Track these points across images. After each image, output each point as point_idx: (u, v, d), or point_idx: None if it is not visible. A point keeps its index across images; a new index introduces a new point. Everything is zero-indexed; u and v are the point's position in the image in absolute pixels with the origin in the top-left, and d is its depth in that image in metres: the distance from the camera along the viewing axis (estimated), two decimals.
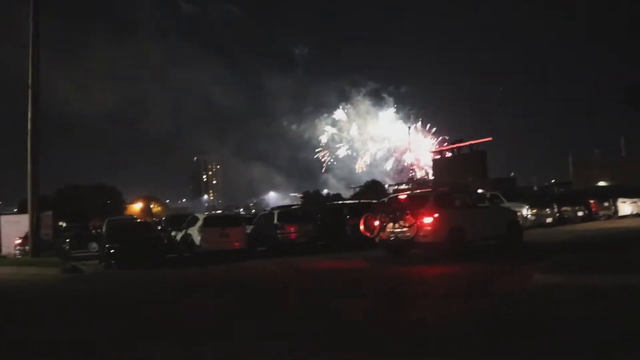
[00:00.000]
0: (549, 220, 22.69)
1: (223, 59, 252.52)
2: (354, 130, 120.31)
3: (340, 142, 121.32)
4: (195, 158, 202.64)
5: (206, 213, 29.64)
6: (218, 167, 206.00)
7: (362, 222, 13.52)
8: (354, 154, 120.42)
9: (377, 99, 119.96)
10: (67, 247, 22.70)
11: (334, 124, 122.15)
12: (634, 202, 26.27)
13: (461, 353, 4.39)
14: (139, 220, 26.44)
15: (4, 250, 21.11)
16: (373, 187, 73.33)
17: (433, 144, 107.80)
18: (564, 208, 24.65)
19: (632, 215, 25.39)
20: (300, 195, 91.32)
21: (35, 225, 18.03)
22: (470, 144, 67.39)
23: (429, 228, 12.00)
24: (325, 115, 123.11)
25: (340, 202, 32.68)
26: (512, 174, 64.82)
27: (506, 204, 20.33)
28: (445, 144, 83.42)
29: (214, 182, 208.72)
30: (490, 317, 5.70)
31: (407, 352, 4.53)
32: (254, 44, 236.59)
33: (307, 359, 4.47)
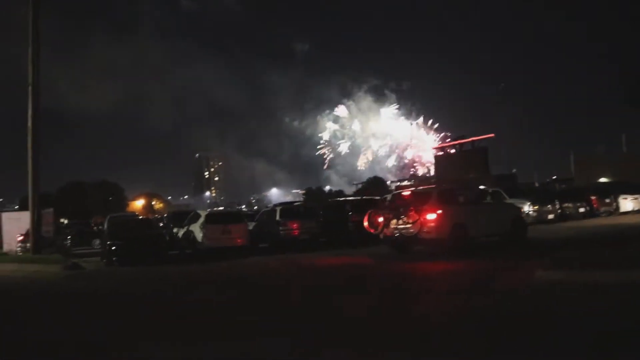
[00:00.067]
0: (550, 216, 22.64)
1: (224, 55, 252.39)
2: (355, 127, 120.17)
3: (342, 138, 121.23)
4: (197, 155, 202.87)
5: (208, 210, 29.65)
6: (220, 163, 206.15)
7: (366, 218, 13.56)
8: (356, 150, 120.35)
9: (379, 95, 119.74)
10: (69, 244, 22.74)
11: (336, 120, 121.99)
12: (636, 199, 26.21)
13: (463, 350, 4.36)
14: (140, 217, 26.45)
15: (6, 247, 21.15)
16: (375, 184, 73.32)
17: (435, 140, 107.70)
18: (566, 204, 24.60)
19: (633, 212, 25.33)
20: (303, 191, 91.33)
21: (36, 222, 18.05)
22: (472, 141, 67.25)
23: (432, 224, 12.04)
24: (327, 111, 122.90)
25: (342, 198, 32.70)
26: (514, 170, 64.66)
27: (508, 201, 20.31)
28: (448, 139, 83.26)
29: (216, 178, 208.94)
30: (492, 314, 5.68)
31: (410, 348, 4.50)
32: (255, 41, 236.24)
33: (308, 358, 4.43)
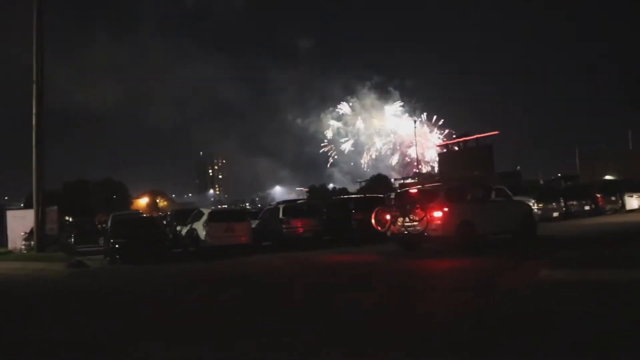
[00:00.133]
0: (555, 214, 22.52)
1: (227, 53, 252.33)
2: (359, 124, 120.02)
3: (346, 136, 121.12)
4: (201, 152, 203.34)
5: (212, 207, 29.68)
6: (224, 161, 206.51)
7: (373, 216, 13.60)
8: (360, 148, 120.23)
9: (383, 93, 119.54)
10: (73, 242, 22.80)
11: (339, 117, 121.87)
12: None
13: (463, 351, 4.32)
14: (144, 215, 26.48)
15: (11, 245, 21.28)
16: (379, 182, 73.18)
17: (439, 137, 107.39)
18: (571, 202, 24.46)
19: (639, 210, 25.15)
20: (306, 189, 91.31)
21: (40, 220, 18.13)
22: (477, 138, 67.02)
23: (438, 222, 12.04)
24: (331, 109, 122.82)
25: (345, 196, 32.62)
26: (518, 167, 64.35)
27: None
28: (454, 135, 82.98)
29: (220, 176, 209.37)
30: (493, 314, 5.63)
31: (410, 349, 4.45)
32: (259, 38, 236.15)
33: (308, 358, 4.38)
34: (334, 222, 18.81)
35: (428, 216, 12.06)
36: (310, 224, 18.42)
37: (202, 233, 16.66)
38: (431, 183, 17.68)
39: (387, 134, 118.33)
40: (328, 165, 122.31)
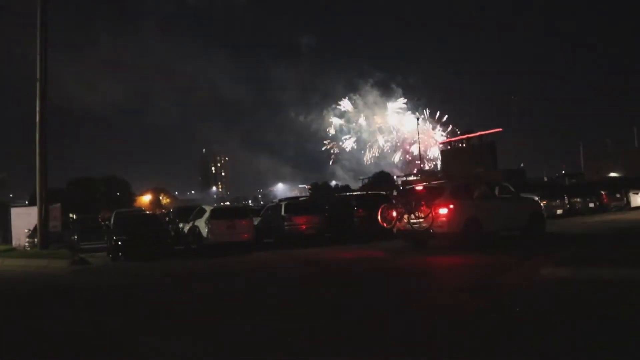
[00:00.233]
0: (559, 211, 22.45)
1: (230, 50, 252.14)
2: (361, 121, 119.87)
3: (348, 133, 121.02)
4: (203, 150, 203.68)
5: (214, 204, 29.71)
6: (226, 159, 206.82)
7: (379, 212, 13.65)
8: (362, 145, 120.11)
9: (385, 90, 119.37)
10: (76, 239, 22.86)
11: (342, 115, 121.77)
12: None
13: (463, 350, 4.27)
14: (146, 213, 26.52)
15: (15, 242, 21.32)
16: (381, 179, 73.11)
17: (442, 135, 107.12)
18: (575, 199, 24.37)
19: None
20: (309, 186, 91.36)
21: (44, 217, 18.16)
22: (480, 135, 66.84)
23: (444, 219, 12.05)
24: (333, 106, 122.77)
25: (348, 193, 32.58)
26: (522, 164, 64.17)
27: None
28: (458, 132, 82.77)
29: (223, 173, 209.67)
30: (494, 313, 5.58)
31: (409, 349, 4.40)
32: (261, 35, 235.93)
33: (309, 358, 4.33)
34: (337, 219, 18.78)
35: (433, 213, 12.08)
36: (312, 221, 18.40)
37: (204, 230, 16.66)
38: (434, 180, 17.66)
39: (390, 131, 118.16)
40: (330, 163, 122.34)
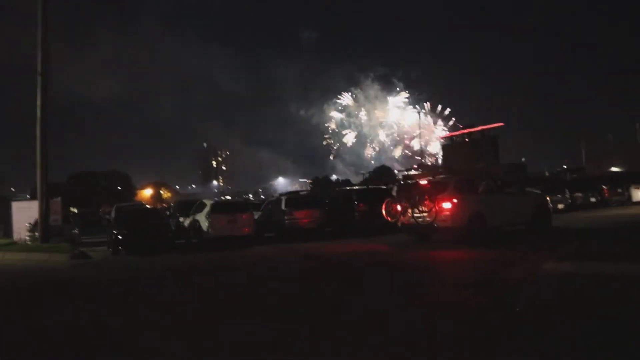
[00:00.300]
0: (560, 206, 22.40)
1: (231, 44, 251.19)
2: (362, 116, 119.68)
3: (349, 127, 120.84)
4: (204, 144, 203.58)
5: (215, 199, 29.72)
6: (227, 153, 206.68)
7: (383, 207, 13.74)
8: (363, 139, 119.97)
9: (387, 84, 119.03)
10: (77, 233, 22.89)
11: (343, 109, 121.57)
12: None
13: (463, 350, 4.24)
14: (147, 207, 26.52)
15: (15, 236, 21.34)
16: (382, 173, 73.05)
17: (443, 129, 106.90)
18: (576, 194, 24.33)
19: None
20: (310, 181, 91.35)
21: (44, 211, 18.18)
22: (482, 129, 66.64)
23: (447, 213, 12.11)
24: (334, 100, 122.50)
25: (349, 187, 32.55)
26: (523, 159, 64.04)
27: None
28: (460, 126, 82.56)
29: (224, 168, 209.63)
30: (495, 311, 5.52)
31: (408, 348, 4.37)
32: (262, 29, 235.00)
33: (308, 358, 4.29)
34: (337, 213, 18.78)
35: (437, 207, 12.14)
36: (313, 215, 18.40)
37: (204, 224, 16.66)
38: (435, 175, 17.66)
39: (391, 126, 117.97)
40: (331, 157, 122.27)
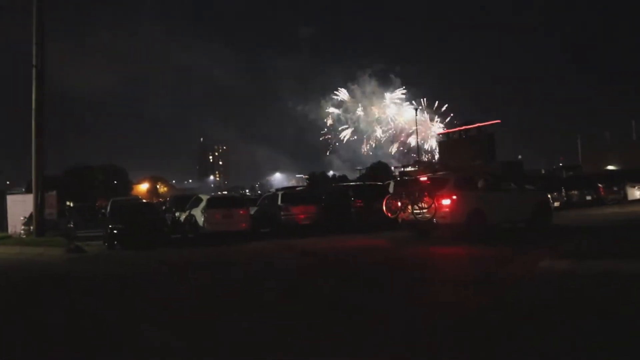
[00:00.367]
0: (556, 204, 22.43)
1: (228, 39, 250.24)
2: (359, 112, 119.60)
3: (346, 123, 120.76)
4: (201, 139, 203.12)
5: (212, 194, 29.64)
6: (224, 148, 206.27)
7: (384, 202, 13.77)
8: (360, 135, 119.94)
9: (384, 80, 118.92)
10: (73, 227, 22.79)
11: (340, 105, 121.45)
12: None
13: (463, 350, 4.21)
14: (143, 201, 26.43)
15: (10, 230, 21.24)
16: (379, 169, 73.03)
17: (440, 126, 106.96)
18: (572, 192, 24.39)
19: None
20: (306, 176, 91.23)
21: (39, 205, 18.07)
22: (478, 126, 66.70)
23: (447, 210, 12.14)
24: (331, 96, 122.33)
25: (345, 183, 32.52)
26: (520, 157, 64.15)
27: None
28: (456, 122, 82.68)
29: (220, 163, 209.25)
30: (495, 311, 5.47)
31: (407, 349, 4.34)
32: (259, 25, 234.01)
33: (309, 358, 4.24)
34: (334, 209, 18.75)
35: (436, 204, 12.15)
36: (309, 211, 18.37)
37: (200, 219, 16.61)
38: (431, 172, 17.66)
39: (387, 122, 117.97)
40: (327, 153, 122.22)
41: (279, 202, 18.32)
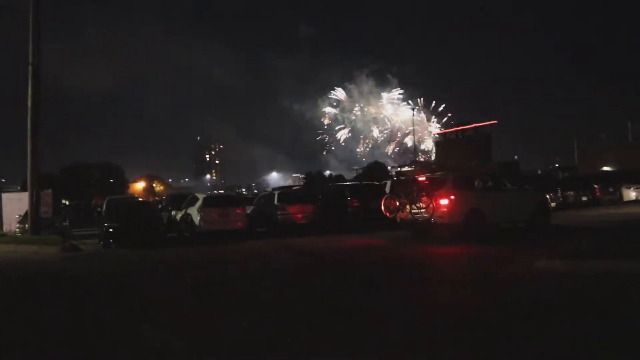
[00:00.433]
0: (552, 204, 22.48)
1: (227, 38, 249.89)
2: (356, 111, 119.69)
3: (343, 122, 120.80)
4: (198, 138, 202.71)
5: (208, 192, 29.57)
6: (221, 147, 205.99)
7: (382, 202, 13.75)
8: (356, 135, 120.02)
9: (381, 80, 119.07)
10: (68, 225, 22.68)
11: (337, 104, 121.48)
12: (639, 188, 26.02)
13: (463, 350, 4.19)
14: (139, 200, 26.34)
15: (5, 228, 21.08)
16: (375, 169, 73.08)
17: (437, 127, 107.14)
18: (568, 192, 24.47)
19: (637, 201, 25.17)
20: (303, 176, 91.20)
21: (35, 203, 17.93)
22: (475, 127, 66.88)
23: (444, 209, 12.13)
24: (328, 95, 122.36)
25: (342, 183, 32.51)
26: (516, 157, 64.35)
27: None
28: (453, 122, 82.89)
29: (217, 161, 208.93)
30: (495, 311, 5.45)
31: (406, 349, 4.31)
32: (258, 24, 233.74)
33: (309, 358, 4.20)
34: (330, 209, 18.72)
35: (434, 204, 12.14)
36: (305, 210, 18.35)
37: (196, 218, 16.55)
38: (428, 171, 17.70)
39: (384, 122, 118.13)
40: (324, 153, 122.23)
41: (276, 202, 18.28)
